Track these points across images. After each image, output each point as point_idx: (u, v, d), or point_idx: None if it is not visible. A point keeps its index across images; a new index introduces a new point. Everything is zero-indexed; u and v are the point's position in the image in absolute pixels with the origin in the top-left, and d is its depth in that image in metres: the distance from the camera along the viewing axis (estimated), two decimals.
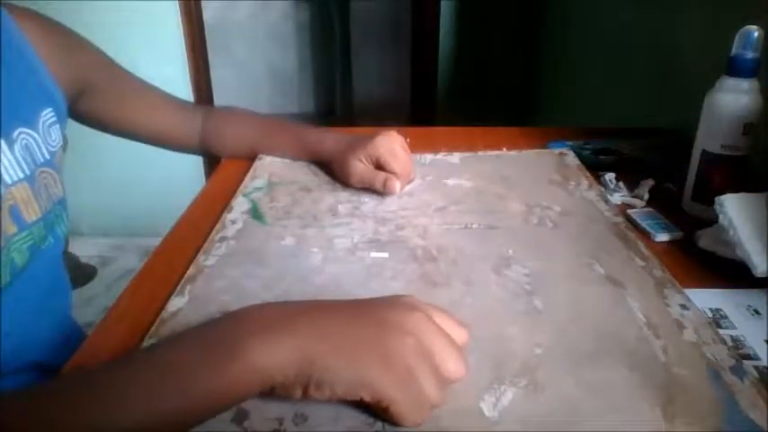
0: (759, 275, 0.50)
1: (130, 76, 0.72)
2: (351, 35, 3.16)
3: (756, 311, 0.48)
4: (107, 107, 0.69)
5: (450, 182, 0.70)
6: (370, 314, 0.37)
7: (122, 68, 0.71)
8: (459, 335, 0.39)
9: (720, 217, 0.54)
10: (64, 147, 0.59)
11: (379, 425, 0.35)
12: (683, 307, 0.47)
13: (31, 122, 0.54)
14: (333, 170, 0.70)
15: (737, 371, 0.40)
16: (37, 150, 0.55)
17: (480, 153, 0.78)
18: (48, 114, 0.57)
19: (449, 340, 0.37)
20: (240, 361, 0.33)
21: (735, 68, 0.59)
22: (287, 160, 0.75)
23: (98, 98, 0.67)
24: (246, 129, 0.78)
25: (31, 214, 0.53)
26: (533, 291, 0.49)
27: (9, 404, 0.32)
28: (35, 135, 0.55)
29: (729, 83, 0.60)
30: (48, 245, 0.56)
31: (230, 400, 0.34)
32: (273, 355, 0.34)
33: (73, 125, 0.66)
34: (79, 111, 0.66)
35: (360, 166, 0.66)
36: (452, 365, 0.36)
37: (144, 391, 0.32)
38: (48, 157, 0.56)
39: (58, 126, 0.58)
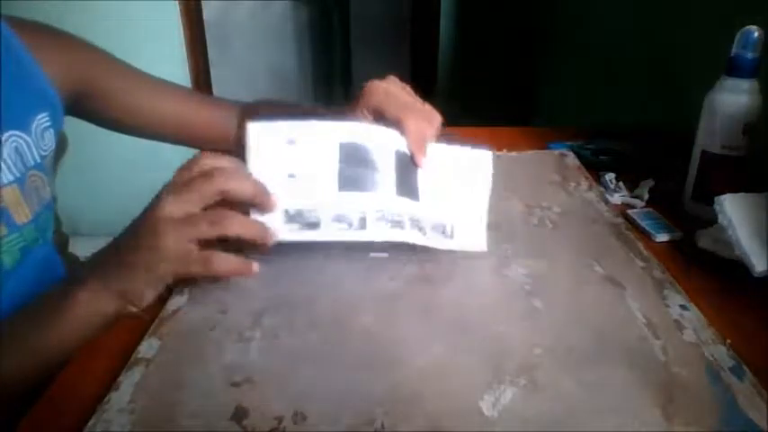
0: (757, 275, 0.50)
1: (143, 74, 0.69)
2: (351, 35, 3.16)
3: None
4: (118, 105, 0.66)
5: None
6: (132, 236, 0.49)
7: (132, 67, 0.68)
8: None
9: (720, 217, 0.54)
10: (63, 148, 0.59)
11: (378, 423, 0.35)
12: (683, 307, 0.47)
13: (23, 126, 0.55)
14: None
15: (737, 371, 0.40)
16: (28, 153, 0.55)
17: None
18: (42, 119, 0.57)
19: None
20: (68, 315, 0.43)
21: (735, 68, 0.59)
22: None
23: (106, 97, 0.65)
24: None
25: (22, 216, 0.54)
26: (533, 291, 0.49)
27: None
28: (27, 138, 0.55)
29: (729, 83, 0.60)
30: (38, 246, 0.57)
31: (73, 342, 0.44)
32: (94, 305, 0.44)
33: (72, 126, 0.66)
34: (89, 112, 0.65)
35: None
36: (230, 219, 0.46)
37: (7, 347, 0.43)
38: (38, 160, 0.56)
39: (52, 131, 0.58)
